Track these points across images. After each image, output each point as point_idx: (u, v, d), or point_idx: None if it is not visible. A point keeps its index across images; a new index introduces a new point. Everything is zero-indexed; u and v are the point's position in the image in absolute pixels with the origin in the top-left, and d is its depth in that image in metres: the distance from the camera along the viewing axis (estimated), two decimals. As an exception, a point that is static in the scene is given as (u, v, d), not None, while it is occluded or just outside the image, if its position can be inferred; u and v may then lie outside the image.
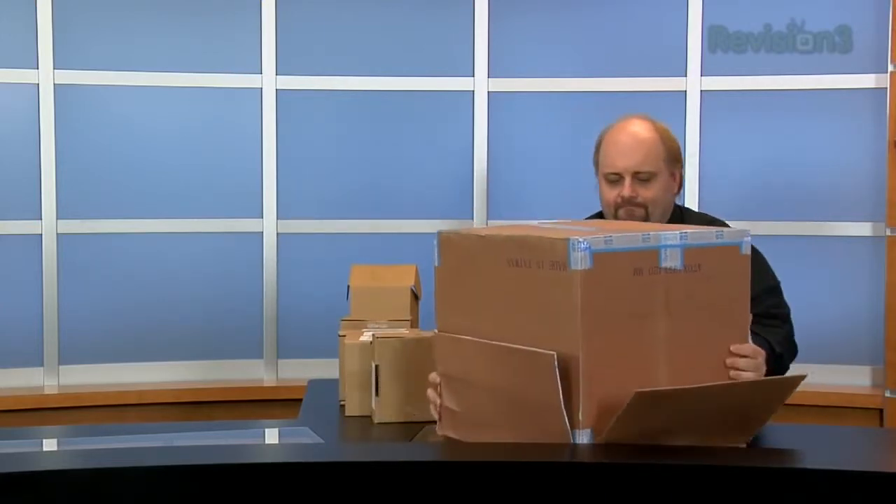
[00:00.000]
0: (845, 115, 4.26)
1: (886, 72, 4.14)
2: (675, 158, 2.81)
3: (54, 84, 4.22)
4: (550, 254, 2.05)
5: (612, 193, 2.78)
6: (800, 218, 4.28)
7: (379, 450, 2.32)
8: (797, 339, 2.73)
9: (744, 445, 2.10)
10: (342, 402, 2.80)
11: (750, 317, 2.23)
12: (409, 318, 3.22)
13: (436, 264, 2.30)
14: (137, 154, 4.31)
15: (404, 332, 2.87)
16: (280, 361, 4.39)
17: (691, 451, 2.01)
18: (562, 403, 2.02)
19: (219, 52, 4.34)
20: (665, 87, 4.31)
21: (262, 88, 4.33)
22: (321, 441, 2.47)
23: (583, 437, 2.04)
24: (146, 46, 4.30)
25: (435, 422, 2.49)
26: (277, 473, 1.91)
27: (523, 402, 2.11)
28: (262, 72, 4.33)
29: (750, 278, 2.20)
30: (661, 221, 2.76)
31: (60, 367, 4.28)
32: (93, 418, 4.08)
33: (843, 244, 4.28)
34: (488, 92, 4.37)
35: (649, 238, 2.09)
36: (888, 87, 4.13)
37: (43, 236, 4.24)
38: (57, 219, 4.25)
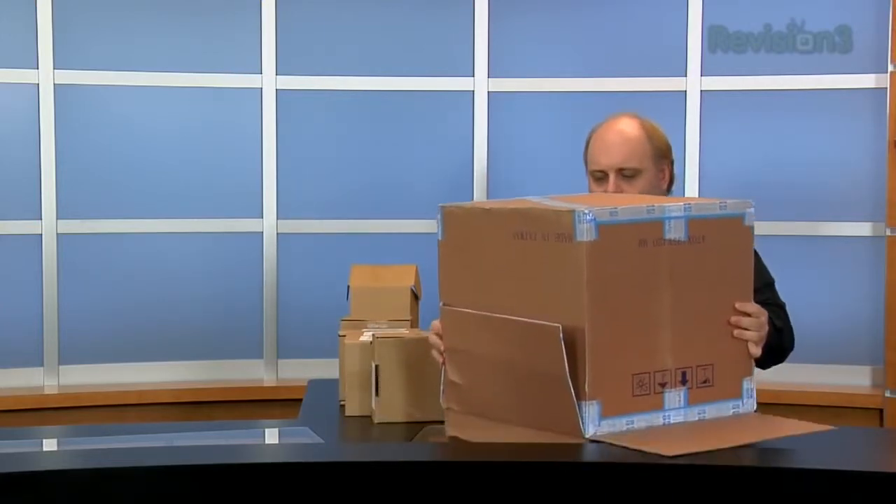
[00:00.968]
0: (845, 115, 4.26)
1: (886, 72, 4.14)
2: (662, 155, 2.84)
3: (54, 84, 4.22)
4: (556, 226, 2.06)
5: (598, 190, 2.81)
6: (799, 218, 4.28)
7: (379, 450, 2.32)
8: (796, 338, 2.75)
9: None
10: (342, 402, 2.80)
11: (752, 288, 2.24)
12: (409, 318, 3.22)
13: (439, 238, 2.30)
14: (137, 154, 4.31)
15: (404, 332, 2.88)
16: (280, 361, 4.39)
17: (702, 452, 2.01)
18: (567, 375, 2.02)
19: (219, 52, 4.34)
20: (665, 87, 4.31)
21: (262, 88, 4.33)
22: (321, 441, 2.47)
23: (589, 409, 2.04)
24: (146, 46, 4.30)
25: (435, 422, 2.50)
26: (277, 473, 1.91)
27: (529, 375, 2.11)
28: (262, 72, 4.33)
29: (753, 249, 2.21)
30: None
31: (60, 367, 4.28)
32: (93, 418, 4.08)
33: (843, 244, 4.28)
34: (488, 92, 4.37)
35: (654, 210, 2.09)
36: (888, 87, 4.13)
37: (43, 236, 4.24)
38: (57, 219, 4.25)
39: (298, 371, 4.28)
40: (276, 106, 4.35)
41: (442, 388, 2.33)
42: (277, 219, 4.36)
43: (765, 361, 2.44)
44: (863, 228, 4.25)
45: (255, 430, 2.88)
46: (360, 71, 4.38)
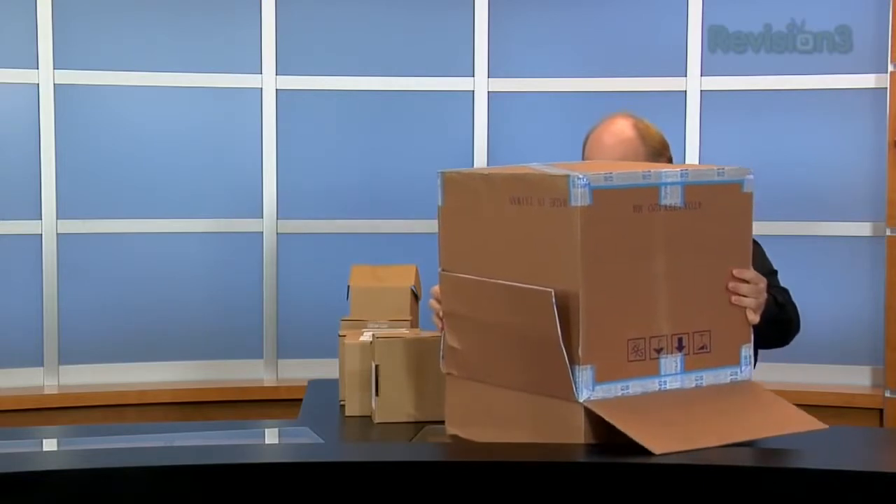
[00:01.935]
0: (845, 115, 4.27)
1: (886, 72, 4.15)
2: (658, 153, 2.85)
3: (54, 84, 4.22)
4: (551, 191, 2.06)
5: None
6: (800, 218, 4.28)
7: (379, 450, 2.32)
8: (795, 338, 2.73)
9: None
10: (342, 402, 2.79)
11: (751, 255, 2.23)
12: (409, 318, 3.22)
13: (439, 203, 2.31)
14: (137, 154, 4.31)
15: (404, 332, 2.87)
16: (280, 361, 4.39)
17: (692, 451, 2.01)
18: (560, 340, 2.02)
19: (219, 52, 4.34)
20: (665, 87, 4.31)
21: (262, 88, 4.33)
22: (321, 441, 2.47)
23: (583, 374, 2.04)
24: (146, 46, 4.30)
25: (435, 422, 2.50)
26: (277, 473, 1.91)
27: (524, 340, 2.11)
28: (262, 72, 4.33)
29: (752, 218, 2.20)
30: None
31: (60, 367, 4.28)
32: (93, 418, 4.08)
33: (843, 244, 4.28)
34: (488, 92, 4.37)
35: (650, 175, 2.09)
36: (888, 87, 4.13)
37: (43, 236, 4.24)
38: (57, 219, 4.25)
39: (298, 371, 4.28)
40: (276, 106, 4.35)
41: (441, 353, 2.33)
42: (277, 219, 4.37)
43: (768, 338, 2.43)
44: (863, 228, 4.25)
45: (255, 430, 2.87)
46: (360, 71, 4.38)
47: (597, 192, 2.03)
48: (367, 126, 4.41)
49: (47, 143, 4.23)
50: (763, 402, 2.20)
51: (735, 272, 2.18)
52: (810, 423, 2.15)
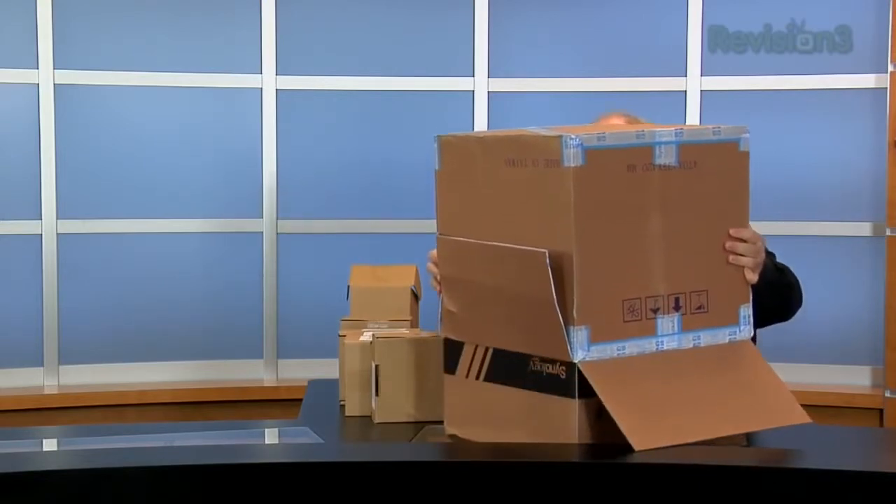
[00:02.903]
0: (845, 115, 4.26)
1: (886, 72, 4.15)
2: None
3: (54, 84, 4.22)
4: (544, 152, 2.06)
5: None
6: (799, 218, 4.28)
7: (379, 450, 2.33)
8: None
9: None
10: (342, 402, 2.79)
11: (748, 214, 2.22)
12: (409, 318, 3.22)
13: (436, 168, 2.31)
14: (137, 154, 4.31)
15: (404, 332, 2.87)
16: (280, 361, 4.39)
17: (691, 451, 2.01)
18: (555, 300, 2.02)
19: (219, 52, 4.34)
20: (665, 87, 4.31)
21: (262, 88, 4.33)
22: (321, 441, 2.47)
23: (578, 334, 2.04)
24: (146, 46, 4.30)
25: (435, 422, 2.50)
26: (277, 473, 1.91)
27: (519, 301, 2.11)
28: (262, 72, 4.33)
29: (748, 177, 2.19)
30: None
31: (60, 367, 4.28)
32: (93, 418, 4.08)
33: (843, 244, 4.28)
34: (488, 92, 4.37)
35: (643, 135, 2.09)
36: (888, 87, 4.13)
37: (43, 236, 4.24)
38: (57, 219, 4.25)
39: (298, 371, 4.28)
40: (276, 106, 4.35)
41: (439, 316, 2.33)
42: (277, 219, 4.36)
43: (769, 308, 2.37)
44: (863, 228, 4.25)
45: (255, 430, 2.87)
46: (360, 71, 4.38)
47: (590, 153, 2.03)
48: (368, 126, 4.41)
49: (47, 143, 4.23)
50: (755, 377, 2.19)
51: (732, 231, 2.17)
52: (798, 417, 2.14)
